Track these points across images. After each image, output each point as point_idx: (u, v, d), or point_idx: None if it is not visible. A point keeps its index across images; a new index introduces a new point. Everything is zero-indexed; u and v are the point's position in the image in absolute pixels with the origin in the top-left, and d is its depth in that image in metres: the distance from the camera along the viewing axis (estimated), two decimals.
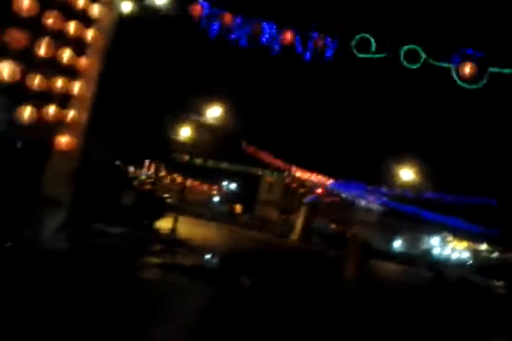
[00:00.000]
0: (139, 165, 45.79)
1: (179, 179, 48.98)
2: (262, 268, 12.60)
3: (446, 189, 30.14)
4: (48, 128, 7.93)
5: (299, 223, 35.01)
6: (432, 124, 31.46)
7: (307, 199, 36.42)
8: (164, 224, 16.04)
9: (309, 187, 36.52)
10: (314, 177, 34.75)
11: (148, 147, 38.97)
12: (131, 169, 44.30)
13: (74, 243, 7.61)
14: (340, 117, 32.44)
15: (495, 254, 51.56)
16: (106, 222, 10.40)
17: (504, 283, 19.88)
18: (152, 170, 47.45)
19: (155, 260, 10.19)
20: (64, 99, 8.13)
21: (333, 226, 49.97)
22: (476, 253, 52.79)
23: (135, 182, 35.84)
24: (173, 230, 15.34)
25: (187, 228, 20.08)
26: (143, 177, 36.88)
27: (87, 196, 9.07)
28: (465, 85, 9.03)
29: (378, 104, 30.82)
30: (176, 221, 15.65)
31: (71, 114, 8.24)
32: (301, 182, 39.12)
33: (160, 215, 17.77)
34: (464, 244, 55.40)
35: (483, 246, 53.88)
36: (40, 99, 7.64)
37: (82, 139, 8.51)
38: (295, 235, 33.99)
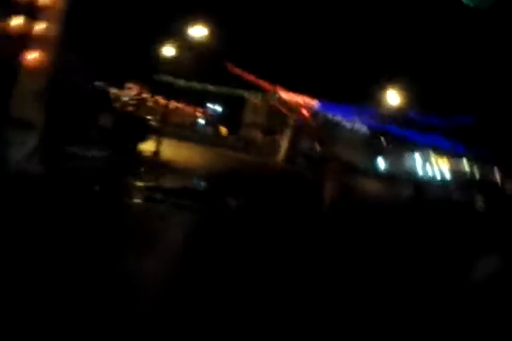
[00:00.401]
0: (121, 87, 44.43)
1: (162, 101, 48.01)
2: (248, 190, 12.63)
3: (429, 109, 30.01)
4: (14, 44, 7.29)
5: (284, 144, 35.04)
6: (420, 44, 30.45)
7: (293, 120, 36.10)
8: (147, 147, 15.79)
9: (294, 109, 36.04)
10: (300, 99, 34.17)
11: (130, 67, 37.58)
12: (113, 90, 43.07)
13: (48, 166, 7.33)
14: (328, 37, 31.28)
15: (475, 171, 52.85)
16: (83, 145, 10.09)
17: (485, 198, 20.38)
18: (135, 91, 46.10)
19: (137, 183, 10.06)
20: (32, 9, 7.37)
21: (318, 147, 50.21)
22: (456, 171, 53.99)
23: (117, 104, 35.04)
24: (157, 153, 15.10)
25: (171, 151, 19.87)
26: (125, 99, 35.99)
27: (60, 118, 8.66)
28: (469, 3, 8.42)
29: (366, 23, 29.67)
30: (159, 143, 15.36)
31: (40, 26, 7.50)
32: (287, 104, 38.54)
33: (142, 138, 17.47)
34: (446, 162, 56.39)
35: (464, 163, 55.01)
36: (4, 9, 6.94)
37: (53, 56, 7.85)
38: (280, 156, 34.15)
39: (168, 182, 11.15)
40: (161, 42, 32.28)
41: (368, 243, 9.24)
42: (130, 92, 42.19)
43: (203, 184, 12.46)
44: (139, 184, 10.03)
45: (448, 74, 29.07)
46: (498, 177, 49.70)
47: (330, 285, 5.98)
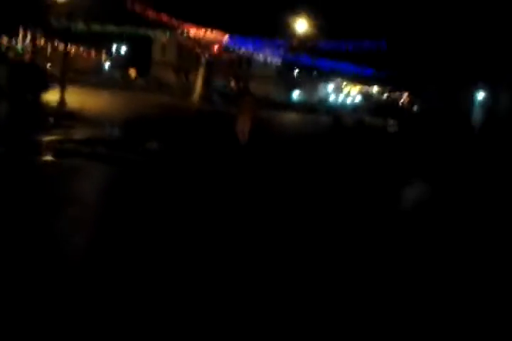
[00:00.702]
0: (13, 35, 40.62)
1: (61, 46, 44.60)
2: (165, 133, 12.31)
3: (338, 37, 30.14)
4: None
5: (198, 83, 34.11)
6: None
7: (204, 58, 34.96)
8: (51, 97, 14.71)
9: (205, 45, 34.81)
10: (209, 34, 32.95)
11: (20, 12, 34.09)
12: (3, 39, 39.33)
13: None
14: None
15: (385, 95, 55.07)
16: None
17: (396, 121, 21.33)
18: (29, 38, 42.34)
19: (45, 137, 9.43)
20: None
21: (233, 83, 49.63)
22: (368, 96, 55.98)
23: (10, 54, 32.12)
24: (62, 102, 14.13)
25: (78, 99, 18.70)
26: (18, 47, 33.07)
27: None
28: None
29: None
30: (63, 92, 14.33)
31: None
32: (196, 41, 37.13)
33: (44, 87, 16.21)
34: (358, 88, 58.16)
35: (375, 89, 57.02)
36: None
37: None
38: (195, 96, 33.35)
39: (79, 134, 10.57)
40: None
41: (288, 171, 9.46)
42: (24, 40, 38.71)
43: (117, 131, 11.97)
44: (47, 138, 9.42)
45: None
46: (405, 100, 52.34)
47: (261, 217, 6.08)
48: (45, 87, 16.19)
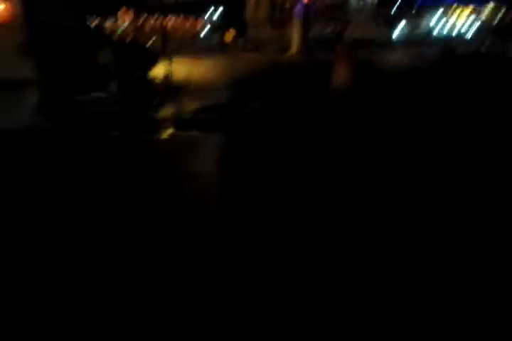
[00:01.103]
0: (115, 17, 42.58)
1: (159, 21, 45.85)
2: (267, 91, 12.25)
3: None
4: None
5: (295, 34, 33.24)
6: None
7: (298, 6, 33.83)
8: (157, 72, 15.30)
9: None
10: None
11: None
12: (108, 23, 41.43)
13: (56, 121, 7.11)
14: None
15: (502, 11, 48.96)
16: (88, 90, 9.69)
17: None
18: (129, 18, 44.20)
19: (158, 114, 9.84)
20: None
21: (331, 28, 47.53)
22: (484, 19, 50.25)
23: (114, 37, 33.82)
24: (168, 77, 14.58)
25: (182, 69, 19.26)
26: (121, 29, 34.56)
27: (56, 67, 8.25)
28: None
29: None
30: (168, 66, 14.76)
31: None
32: None
33: (150, 64, 16.88)
34: (469, 10, 52.41)
35: (490, 6, 50.93)
36: None
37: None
38: (293, 48, 32.61)
39: (189, 105, 10.90)
40: None
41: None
42: (124, 21, 40.35)
43: (223, 96, 12.15)
44: (160, 114, 9.84)
45: None
46: None
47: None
48: (150, 64, 16.94)
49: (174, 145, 7.59)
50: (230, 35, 50.32)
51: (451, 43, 25.15)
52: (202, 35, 49.00)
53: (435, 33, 45.97)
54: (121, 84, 11.14)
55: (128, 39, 30.26)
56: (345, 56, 11.21)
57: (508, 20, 45.39)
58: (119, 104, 10.06)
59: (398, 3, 48.81)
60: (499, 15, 50.16)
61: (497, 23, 42.74)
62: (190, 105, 10.71)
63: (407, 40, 41.73)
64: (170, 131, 8.53)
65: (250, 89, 12.59)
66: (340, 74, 10.90)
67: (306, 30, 33.90)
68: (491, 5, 50.13)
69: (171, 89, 13.47)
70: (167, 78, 14.48)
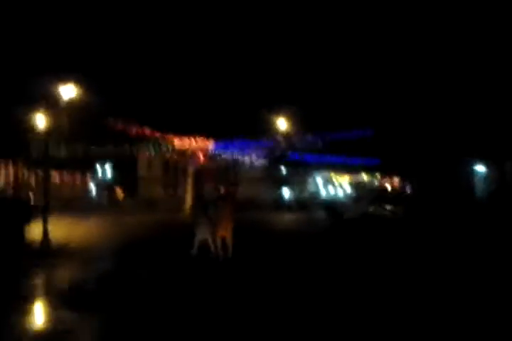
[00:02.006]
0: None
1: (43, 175, 44.32)
2: (158, 257, 10.90)
3: (322, 129, 30.34)
4: None
5: (188, 195, 33.26)
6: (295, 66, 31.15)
7: (191, 168, 34.66)
8: (36, 230, 13.47)
9: (191, 156, 34.71)
10: (194, 144, 33.00)
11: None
12: None
13: None
14: (207, 76, 31.07)
15: (375, 183, 54.73)
16: None
17: (398, 207, 20.24)
18: (10, 171, 42.12)
19: (27, 283, 7.92)
20: None
21: (223, 190, 49.09)
22: (358, 185, 55.42)
23: None
24: (45, 238, 12.73)
25: (64, 230, 17.43)
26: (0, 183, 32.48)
27: None
28: None
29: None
30: (45, 226, 12.98)
31: None
32: (182, 152, 37.15)
33: (25, 222, 15.05)
34: (346, 178, 57.93)
35: (363, 177, 56.84)
36: None
37: None
38: (187, 209, 32.25)
39: (63, 275, 9.07)
40: (28, 111, 29.34)
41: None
42: (6, 174, 38.36)
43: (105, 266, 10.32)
44: (29, 284, 7.91)
45: (330, 94, 29.85)
46: (395, 185, 51.91)
47: None
48: (26, 222, 15.04)
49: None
50: (119, 194, 49.65)
51: (333, 205, 26.47)
52: (89, 192, 47.81)
53: (319, 195, 49.31)
54: None
55: (8, 195, 28.13)
56: (226, 215, 10.83)
57: (383, 186, 50.58)
58: None
59: (286, 166, 52.57)
60: (370, 184, 56.07)
61: (370, 190, 46.98)
62: (65, 274, 8.97)
63: (293, 201, 43.84)
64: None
65: (138, 256, 11.04)
66: (221, 228, 10.45)
67: (199, 190, 34.22)
68: (363, 175, 56.28)
69: (48, 252, 11.66)
70: (45, 240, 12.64)
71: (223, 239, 10.59)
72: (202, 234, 10.53)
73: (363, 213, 19.67)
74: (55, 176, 46.40)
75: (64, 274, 8.97)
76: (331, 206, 30.31)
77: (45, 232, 12.68)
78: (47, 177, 16.87)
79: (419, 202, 21.68)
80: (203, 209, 11.25)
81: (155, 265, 9.84)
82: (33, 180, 42.13)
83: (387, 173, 49.12)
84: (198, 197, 12.68)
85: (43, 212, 13.90)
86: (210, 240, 10.55)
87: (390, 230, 16.47)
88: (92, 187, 48.74)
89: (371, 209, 20.15)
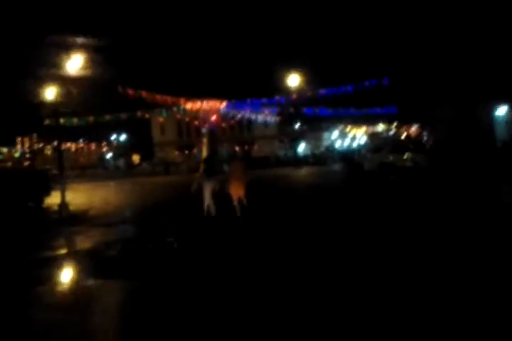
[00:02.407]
0: (11, 143, 40.68)
1: (61, 145, 44.51)
2: (177, 219, 10.74)
3: (336, 82, 29.44)
4: None
5: (203, 156, 33.00)
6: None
7: (204, 129, 34.23)
8: (55, 199, 13.44)
9: (203, 117, 34.25)
10: (206, 105, 32.38)
11: (13, 120, 34.07)
12: (4, 150, 39.27)
13: None
14: (215, 36, 30.22)
15: (391, 132, 53.78)
16: None
17: (420, 155, 19.63)
18: (27, 144, 42.47)
19: (45, 253, 7.82)
20: None
21: (237, 148, 48.89)
22: (374, 135, 54.61)
23: (8, 163, 31.57)
24: (64, 205, 12.69)
25: (82, 197, 17.54)
26: (17, 154, 32.68)
27: None
28: None
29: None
30: (63, 194, 12.92)
31: None
32: (194, 114, 36.69)
33: (45, 192, 15.03)
34: (362, 130, 57.12)
35: (380, 127, 55.89)
36: None
37: None
38: (202, 169, 32.09)
39: (82, 242, 8.96)
40: (38, 85, 29.04)
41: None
42: (22, 147, 38.59)
43: (126, 232, 10.22)
44: (44, 254, 7.80)
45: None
46: (413, 132, 50.84)
47: None
48: (47, 191, 15.04)
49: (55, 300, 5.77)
50: (135, 159, 49.92)
51: (354, 157, 25.96)
52: (106, 159, 47.97)
53: (334, 148, 48.73)
54: (12, 215, 9.27)
55: (26, 165, 28.36)
56: (238, 175, 10.40)
57: (393, 138, 49.67)
58: (7, 237, 8.03)
59: (300, 121, 51.89)
60: (386, 134, 55.00)
61: (396, 139, 46.02)
62: (84, 240, 8.88)
63: (309, 156, 43.40)
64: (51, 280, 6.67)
65: (156, 221, 10.86)
66: (234, 191, 10.17)
67: (214, 149, 33.97)
68: (380, 126, 55.23)
69: (67, 219, 11.60)
70: (64, 207, 12.58)
71: (238, 199, 10.37)
72: (207, 199, 10.37)
73: (382, 163, 19.19)
74: (71, 146, 46.72)
75: (83, 241, 8.86)
76: (348, 158, 29.82)
77: (63, 201, 12.60)
78: (60, 148, 16.63)
79: (441, 150, 21.00)
80: (210, 170, 11.00)
81: (171, 228, 9.69)
82: (49, 152, 42.41)
83: (405, 122, 48.13)
84: (207, 158, 12.31)
85: (59, 181, 13.83)
86: (211, 202, 10.36)
87: (412, 182, 15.98)
88: (109, 154, 48.99)
89: (391, 158, 19.60)
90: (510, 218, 8.38)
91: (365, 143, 47.30)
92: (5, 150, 37.56)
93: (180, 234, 9.01)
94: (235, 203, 10.32)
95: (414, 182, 15.96)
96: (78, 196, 18.06)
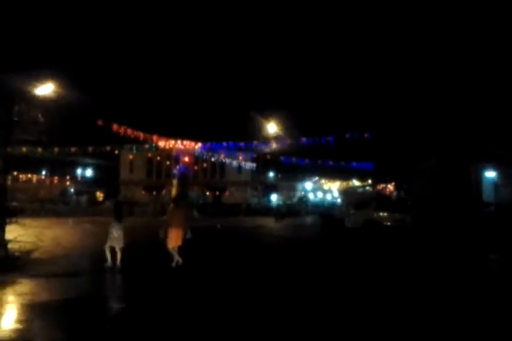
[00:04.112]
0: None
1: (22, 176, 41.95)
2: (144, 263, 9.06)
3: (312, 133, 28.53)
4: None
5: (172, 196, 31.06)
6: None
7: (176, 170, 32.49)
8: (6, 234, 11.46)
9: (175, 157, 32.67)
10: (180, 144, 30.81)
11: None
12: None
13: None
14: (195, 77, 29.39)
15: (367, 188, 53.04)
16: None
17: (403, 214, 18.56)
18: None
19: None
20: None
21: (208, 193, 47.14)
22: (349, 191, 53.73)
23: None
24: (5, 244, 10.67)
25: (33, 234, 15.50)
26: None
27: None
28: None
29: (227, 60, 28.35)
30: (2, 230, 10.85)
31: None
32: (166, 153, 35.14)
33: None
34: (337, 184, 56.42)
35: (355, 182, 55.24)
36: None
37: None
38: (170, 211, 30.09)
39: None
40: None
41: None
42: None
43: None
44: None
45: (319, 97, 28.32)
46: (390, 190, 50.29)
47: None
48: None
49: None
50: (100, 197, 47.39)
51: (334, 213, 24.63)
52: (68, 194, 45.32)
53: (307, 200, 47.47)
54: None
55: None
56: (179, 220, 9.33)
57: (375, 193, 48.88)
58: None
59: (274, 170, 50.99)
60: (362, 190, 54.29)
61: (380, 196, 44.79)
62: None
63: (281, 206, 41.80)
64: None
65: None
66: (172, 235, 9.01)
67: (184, 193, 31.98)
68: (354, 181, 54.68)
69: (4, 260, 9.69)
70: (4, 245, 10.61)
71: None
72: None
73: (368, 221, 17.87)
74: (31, 177, 44.11)
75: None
76: (326, 212, 28.37)
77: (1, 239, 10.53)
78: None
79: (423, 209, 20.04)
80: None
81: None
82: (8, 181, 39.83)
83: (380, 178, 47.52)
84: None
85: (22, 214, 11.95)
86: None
87: (398, 241, 14.92)
88: (71, 189, 46.45)
89: (376, 216, 18.37)
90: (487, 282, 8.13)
91: (343, 198, 46.10)
92: None
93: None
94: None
95: (400, 241, 15.02)
96: (29, 233, 16.06)
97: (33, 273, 8.48)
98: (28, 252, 11.19)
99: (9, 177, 42.11)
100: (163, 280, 8.25)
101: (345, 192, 51.95)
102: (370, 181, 51.04)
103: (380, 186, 48.32)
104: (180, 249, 9.50)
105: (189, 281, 8.11)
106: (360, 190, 51.34)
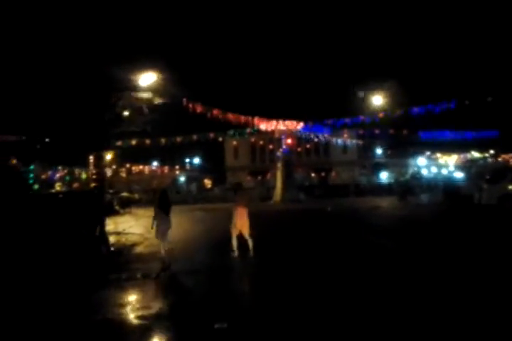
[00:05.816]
0: (83, 163, 39.97)
1: (134, 168, 43.67)
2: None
3: (421, 103, 25.66)
4: None
5: (277, 182, 30.17)
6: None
7: (279, 153, 31.45)
8: (116, 226, 11.22)
9: (278, 139, 31.59)
10: (281, 126, 29.71)
11: (84, 140, 33.06)
12: (77, 170, 38.73)
13: None
14: (292, 54, 28.08)
15: (489, 160, 48.23)
16: None
17: None
18: (98, 163, 41.68)
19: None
20: None
21: (313, 175, 45.78)
22: (470, 163, 49.10)
23: (75, 185, 30.43)
24: (102, 239, 10.09)
25: (142, 225, 15.18)
26: (83, 175, 31.62)
27: None
28: None
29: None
30: (103, 224, 10.35)
31: None
32: (269, 136, 34.31)
33: (101, 218, 12.78)
34: (454, 157, 52.00)
35: (475, 154, 50.45)
36: None
37: None
38: (276, 196, 29.28)
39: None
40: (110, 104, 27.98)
41: None
42: (94, 166, 37.87)
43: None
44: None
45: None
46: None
47: None
48: (102, 217, 12.61)
49: None
50: (208, 184, 48.12)
51: (460, 187, 21.90)
52: (178, 182, 46.50)
53: (421, 177, 44.12)
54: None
55: (92, 185, 27.09)
56: (242, 204, 9.11)
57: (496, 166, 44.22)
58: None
59: (383, 146, 48.46)
60: (484, 162, 49.21)
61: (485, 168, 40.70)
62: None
63: (393, 184, 39.15)
64: None
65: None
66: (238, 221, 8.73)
67: (289, 176, 30.86)
68: (473, 153, 49.79)
69: (115, 253, 9.29)
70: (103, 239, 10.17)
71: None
72: None
73: (504, 196, 15.35)
74: (144, 169, 45.85)
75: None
76: (451, 189, 24.88)
77: (102, 232, 9.97)
78: (101, 173, 14.24)
79: None
80: None
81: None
82: (122, 172, 41.67)
83: (506, 149, 42.66)
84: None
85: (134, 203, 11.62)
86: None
87: None
88: (182, 177, 47.56)
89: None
90: None
91: (476, 172, 41.75)
92: (78, 171, 37.02)
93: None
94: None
95: None
96: (139, 223, 15.92)
97: (127, 270, 7.81)
98: (133, 245, 10.68)
99: (123, 170, 44.12)
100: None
101: (469, 165, 47.36)
102: (492, 151, 46.14)
103: (506, 156, 43.42)
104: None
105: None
106: (481, 161, 46.67)
